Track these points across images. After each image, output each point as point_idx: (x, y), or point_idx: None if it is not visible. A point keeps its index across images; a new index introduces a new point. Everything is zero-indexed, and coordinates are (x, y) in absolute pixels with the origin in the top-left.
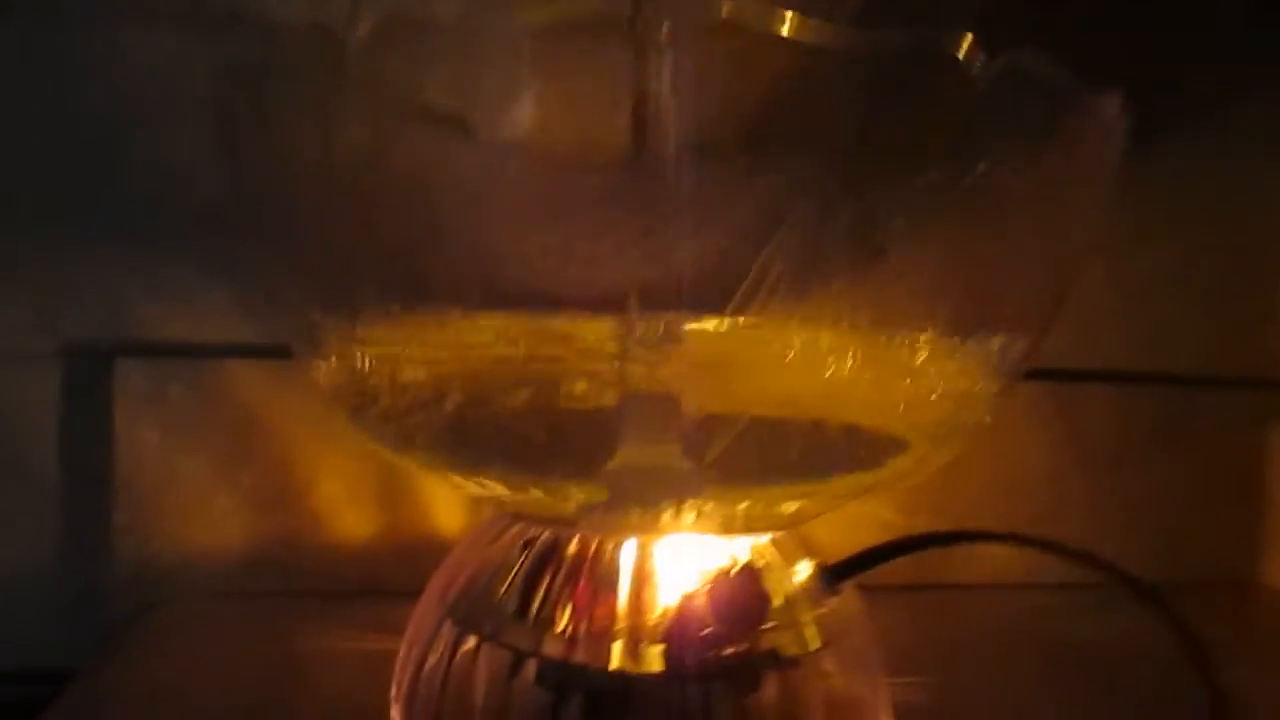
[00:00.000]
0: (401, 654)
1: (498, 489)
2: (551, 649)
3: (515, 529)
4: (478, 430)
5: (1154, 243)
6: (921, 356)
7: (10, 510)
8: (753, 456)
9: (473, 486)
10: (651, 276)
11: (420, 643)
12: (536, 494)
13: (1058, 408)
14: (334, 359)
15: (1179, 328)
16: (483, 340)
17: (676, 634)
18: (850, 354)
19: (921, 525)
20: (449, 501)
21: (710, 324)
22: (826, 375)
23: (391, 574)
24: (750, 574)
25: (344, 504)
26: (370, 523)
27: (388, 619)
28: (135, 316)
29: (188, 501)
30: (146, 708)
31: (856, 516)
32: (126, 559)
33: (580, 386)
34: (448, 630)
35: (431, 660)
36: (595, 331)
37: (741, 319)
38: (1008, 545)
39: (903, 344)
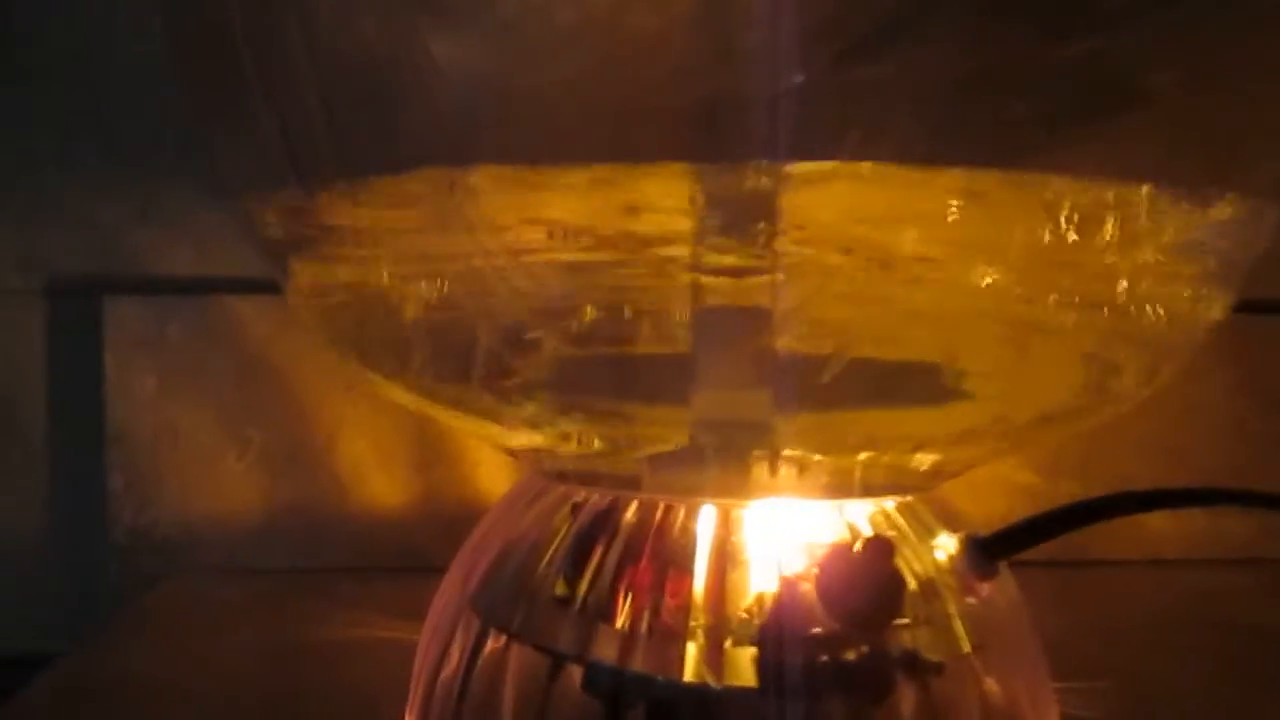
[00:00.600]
0: (419, 654)
1: (535, 438)
2: (603, 650)
3: (556, 493)
4: (508, 363)
5: None
6: (1140, 255)
7: None
8: (875, 381)
9: (507, 434)
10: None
11: (437, 641)
12: (573, 446)
13: (1235, 345)
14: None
15: None
16: (505, 223)
17: (775, 632)
18: (1021, 225)
19: (1065, 489)
20: (495, 462)
21: (821, 173)
22: (982, 276)
23: (428, 547)
24: (880, 550)
25: (371, 465)
26: (403, 487)
27: (423, 601)
28: (126, 247)
29: (190, 460)
30: (130, 702)
31: (986, 480)
32: (120, 527)
33: (641, 293)
34: (469, 625)
35: (450, 663)
36: (657, 192)
37: (863, 168)
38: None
39: (1103, 212)
